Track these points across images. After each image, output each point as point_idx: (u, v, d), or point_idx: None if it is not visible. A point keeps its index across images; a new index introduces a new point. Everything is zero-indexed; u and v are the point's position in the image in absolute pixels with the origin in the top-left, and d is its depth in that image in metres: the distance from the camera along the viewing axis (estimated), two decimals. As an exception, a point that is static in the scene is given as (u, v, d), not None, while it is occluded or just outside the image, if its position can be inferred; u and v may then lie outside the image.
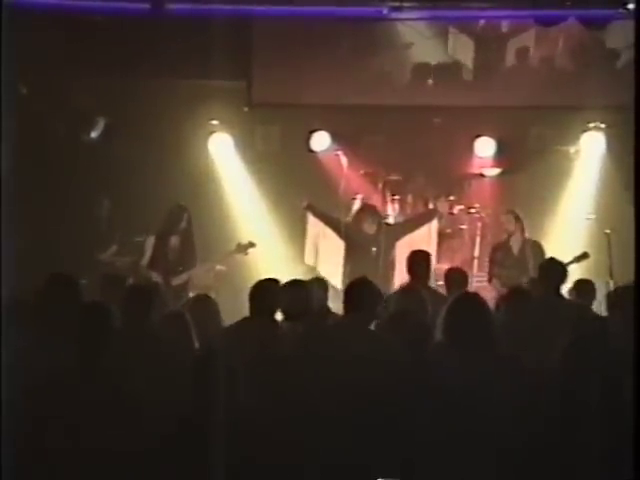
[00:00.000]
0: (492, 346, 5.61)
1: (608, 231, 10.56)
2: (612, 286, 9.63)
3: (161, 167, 11.63)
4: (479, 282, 10.91)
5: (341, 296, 6.72)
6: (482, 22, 11.85)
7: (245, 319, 6.76)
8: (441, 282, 9.88)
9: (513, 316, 6.96)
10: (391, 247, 10.71)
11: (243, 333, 6.55)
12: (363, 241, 10.73)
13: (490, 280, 10.72)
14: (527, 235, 10.86)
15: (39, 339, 5.86)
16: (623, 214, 9.31)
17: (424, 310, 6.90)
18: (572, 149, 12.21)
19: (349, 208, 11.56)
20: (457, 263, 10.90)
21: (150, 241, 10.51)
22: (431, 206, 11.81)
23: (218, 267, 11.15)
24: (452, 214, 11.83)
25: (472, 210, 11.94)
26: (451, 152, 12.05)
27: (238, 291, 8.70)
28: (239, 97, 12.07)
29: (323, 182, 11.74)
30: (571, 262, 9.71)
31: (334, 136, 11.94)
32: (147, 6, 9.99)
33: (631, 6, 9.62)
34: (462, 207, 11.94)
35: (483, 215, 11.97)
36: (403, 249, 10.18)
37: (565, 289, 8.09)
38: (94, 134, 11.81)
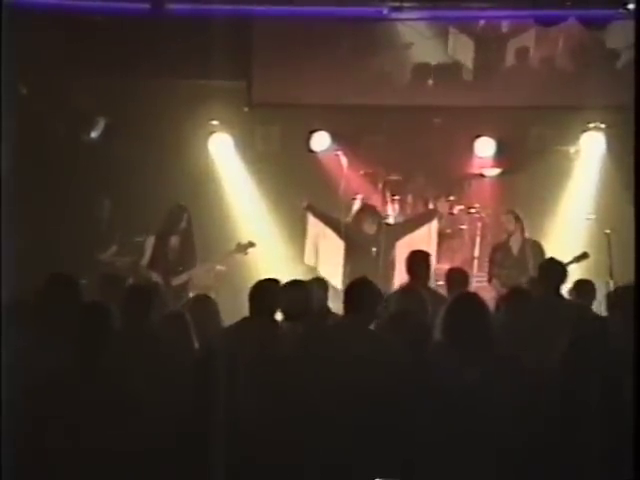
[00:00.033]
0: (491, 346, 5.61)
1: (608, 231, 10.56)
2: (612, 286, 9.63)
3: (161, 167, 11.62)
4: (479, 282, 10.90)
5: (341, 296, 6.72)
6: (482, 22, 11.85)
7: (245, 319, 6.76)
8: (441, 282, 9.90)
9: (513, 316, 6.96)
10: (391, 247, 10.71)
11: (243, 333, 6.55)
12: (363, 241, 10.73)
13: (490, 280, 10.72)
14: (527, 235, 10.86)
15: (39, 339, 5.86)
16: (623, 214, 9.31)
17: (424, 310, 6.90)
18: (572, 149, 12.21)
19: (349, 208, 11.56)
20: (457, 263, 10.90)
21: (150, 241, 10.50)
22: (431, 206, 11.81)
23: (218, 267, 11.14)
24: (452, 214, 11.83)
25: (472, 210, 11.94)
26: (451, 152, 12.05)
27: (238, 291, 8.70)
28: (239, 97, 12.07)
29: (323, 182, 11.74)
30: (571, 262, 9.72)
31: (334, 136, 11.94)
32: (147, 6, 9.99)
33: (631, 6, 9.62)
34: (462, 207, 11.94)
35: (483, 215, 11.97)
36: (403, 249, 10.17)
37: (565, 289, 8.09)
38: (94, 134, 11.81)
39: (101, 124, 11.80)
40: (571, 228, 11.89)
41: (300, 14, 10.60)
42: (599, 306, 7.96)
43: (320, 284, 8.30)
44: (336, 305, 7.74)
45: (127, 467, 5.05)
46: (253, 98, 12.11)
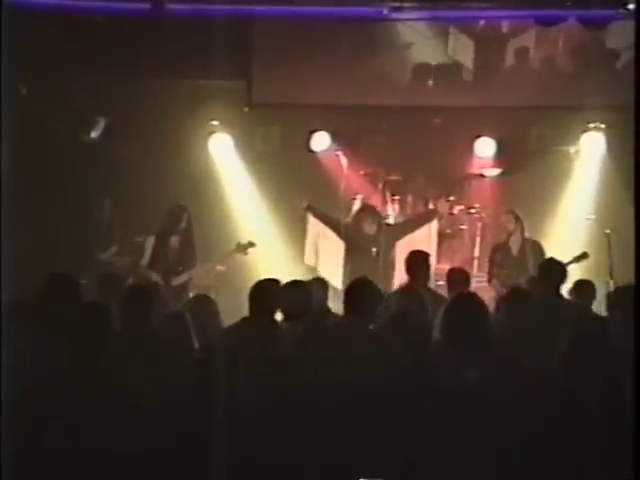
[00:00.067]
0: (490, 346, 5.61)
1: (608, 231, 10.56)
2: (612, 286, 9.63)
3: (161, 167, 11.62)
4: (479, 282, 10.90)
5: (341, 296, 6.72)
6: (482, 22, 11.85)
7: (245, 319, 6.75)
8: (441, 282, 9.90)
9: (513, 316, 6.96)
10: (391, 247, 10.71)
11: (243, 333, 6.54)
12: (363, 241, 10.73)
13: (490, 280, 10.72)
14: (527, 235, 10.85)
15: (39, 339, 5.86)
16: (623, 214, 9.31)
17: (424, 310, 6.90)
18: (572, 149, 12.22)
19: (349, 208, 11.56)
20: (457, 263, 10.90)
21: (150, 241, 10.50)
22: (431, 206, 11.81)
23: (218, 267, 11.14)
24: (452, 214, 11.83)
25: (472, 210, 11.94)
26: (451, 152, 12.05)
27: (238, 291, 8.70)
28: (239, 97, 12.07)
29: (323, 182, 11.74)
30: (571, 262, 9.72)
31: (334, 136, 11.94)
32: (147, 6, 9.99)
33: (631, 6, 9.62)
34: (462, 207, 11.94)
35: (483, 215, 11.97)
36: (403, 249, 10.16)
37: (565, 289, 8.09)
38: (94, 134, 11.81)
39: (101, 124, 11.80)
40: (571, 228, 11.89)
41: (300, 14, 10.60)
42: (599, 306, 7.96)
43: (320, 284, 8.30)
44: (336, 305, 7.74)
45: (127, 467, 5.05)
46: (253, 98, 12.11)
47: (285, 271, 9.92)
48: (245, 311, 6.78)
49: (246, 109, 12.17)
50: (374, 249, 10.60)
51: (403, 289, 8.42)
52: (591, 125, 11.98)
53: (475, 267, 11.57)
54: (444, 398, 5.35)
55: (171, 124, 11.63)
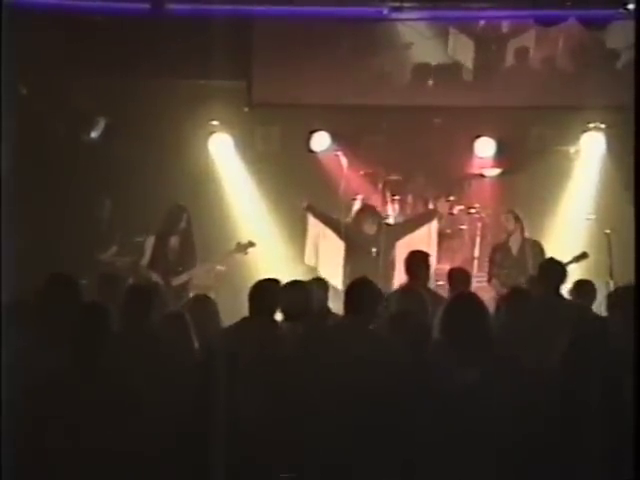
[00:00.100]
0: (490, 346, 5.61)
1: (608, 231, 10.57)
2: (612, 286, 9.63)
3: (161, 167, 11.62)
4: (479, 282, 10.90)
5: (341, 296, 6.72)
6: (482, 22, 11.85)
7: (245, 319, 6.76)
8: (441, 282, 9.90)
9: (513, 316, 6.96)
10: (391, 247, 10.71)
11: (243, 333, 6.55)
12: (363, 241, 10.72)
13: (490, 280, 10.72)
14: (527, 235, 10.85)
15: (39, 339, 5.86)
16: (623, 214, 9.31)
17: (424, 311, 6.90)
18: (572, 149, 12.22)
19: (349, 208, 11.56)
20: (457, 263, 10.90)
21: (150, 241, 10.49)
22: (431, 206, 11.81)
23: (218, 267, 11.14)
24: (452, 214, 11.83)
25: (472, 210, 11.94)
26: (451, 152, 12.05)
27: (238, 291, 8.69)
28: (239, 97, 12.06)
29: (323, 182, 11.74)
30: (571, 262, 9.72)
31: (334, 136, 11.93)
32: (147, 6, 9.99)
33: (631, 6, 9.62)
34: (462, 207, 11.94)
35: (483, 215, 11.97)
36: (403, 249, 10.16)
37: (565, 289, 8.09)
38: (94, 134, 11.81)
39: (101, 124, 11.80)
40: (571, 228, 11.89)
41: (300, 14, 10.60)
42: (599, 306, 7.96)
43: (320, 284, 8.29)
44: (336, 305, 7.74)
45: (127, 467, 5.05)
46: (253, 98, 12.11)
47: (285, 271, 9.91)
48: (245, 311, 6.78)
49: (246, 109, 12.17)
50: (374, 249, 10.60)
51: (403, 289, 8.42)
52: (591, 125, 11.99)
53: (475, 267, 11.57)
54: (444, 398, 5.35)
55: (171, 124, 11.62)
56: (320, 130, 11.91)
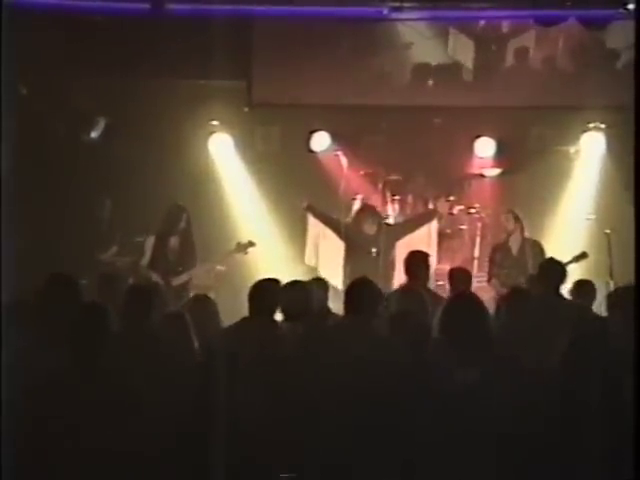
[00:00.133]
0: (489, 346, 5.60)
1: (608, 231, 10.57)
2: (612, 286, 9.64)
3: (161, 167, 11.63)
4: (479, 282, 10.90)
5: (341, 296, 6.72)
6: (482, 22, 11.85)
7: (245, 319, 6.76)
8: (441, 282, 9.89)
9: (513, 316, 6.96)
10: (391, 247, 10.71)
11: (243, 333, 6.55)
12: (363, 241, 10.72)
13: (490, 280, 10.72)
14: (527, 235, 10.85)
15: (39, 339, 5.86)
16: (623, 214, 9.31)
17: (424, 311, 6.90)
18: (572, 149, 12.22)
19: (349, 208, 11.56)
20: (457, 263, 10.90)
21: (150, 241, 10.50)
22: (431, 206, 11.81)
23: (218, 267, 11.14)
24: (452, 214, 11.83)
25: (472, 210, 11.94)
26: (451, 152, 12.06)
27: (238, 291, 8.69)
28: (239, 97, 12.07)
29: (323, 182, 11.74)
30: (570, 262, 9.72)
31: (334, 136, 11.94)
32: (147, 6, 9.99)
33: (631, 6, 9.62)
34: (462, 207, 11.94)
35: (483, 215, 11.98)
36: (403, 249, 10.16)
37: (565, 289, 8.09)
38: (94, 134, 11.81)
39: (101, 124, 11.80)
40: (571, 228, 11.90)
41: (300, 14, 10.61)
42: (599, 306, 7.96)
43: (320, 284, 8.30)
44: (336, 305, 7.74)
45: (127, 467, 5.05)
46: (253, 98, 12.11)
47: (285, 271, 9.92)
48: (245, 311, 6.78)
49: (246, 109, 12.17)
50: (374, 249, 10.60)
51: (403, 289, 8.42)
52: (591, 125, 11.99)
53: (475, 267, 11.57)
54: (444, 398, 5.35)
55: (171, 124, 11.63)
56: (320, 130, 11.92)
